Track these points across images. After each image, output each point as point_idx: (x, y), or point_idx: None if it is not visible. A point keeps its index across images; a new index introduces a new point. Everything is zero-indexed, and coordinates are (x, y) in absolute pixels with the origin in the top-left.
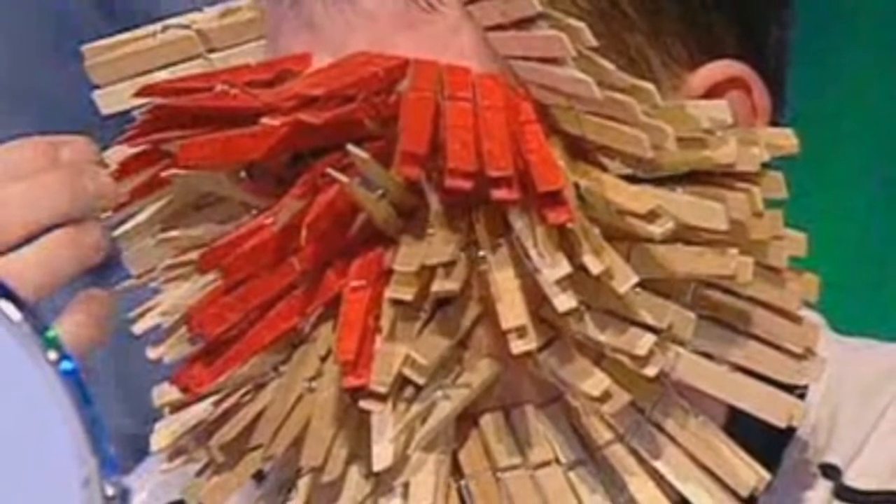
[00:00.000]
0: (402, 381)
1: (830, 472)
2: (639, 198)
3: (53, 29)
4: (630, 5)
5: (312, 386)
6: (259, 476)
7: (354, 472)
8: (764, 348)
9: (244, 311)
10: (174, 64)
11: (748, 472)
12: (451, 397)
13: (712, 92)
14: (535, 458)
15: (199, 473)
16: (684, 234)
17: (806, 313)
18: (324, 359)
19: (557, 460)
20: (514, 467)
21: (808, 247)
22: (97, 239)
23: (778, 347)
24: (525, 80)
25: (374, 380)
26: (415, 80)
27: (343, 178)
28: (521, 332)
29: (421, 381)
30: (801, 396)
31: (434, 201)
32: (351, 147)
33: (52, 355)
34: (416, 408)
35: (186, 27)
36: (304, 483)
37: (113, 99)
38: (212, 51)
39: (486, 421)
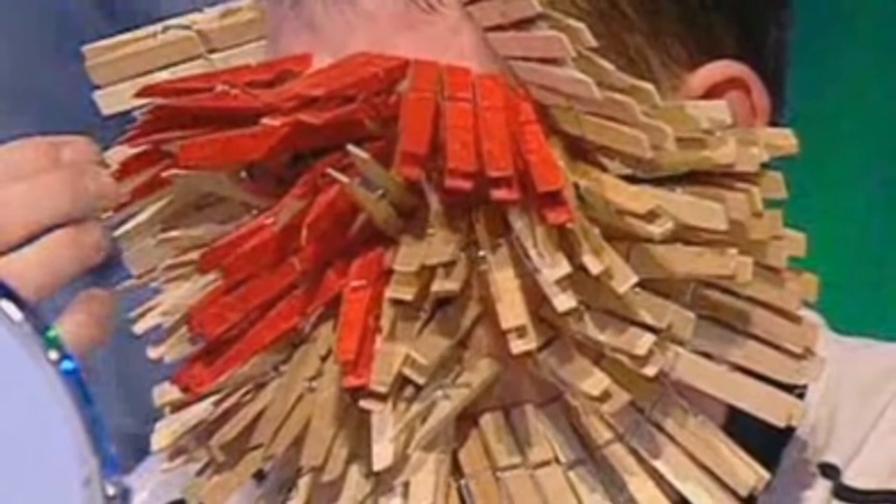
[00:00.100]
0: (403, 381)
1: (829, 471)
2: (638, 198)
3: (54, 29)
4: (629, 6)
5: (313, 386)
6: (259, 475)
7: (354, 471)
8: (763, 348)
9: (245, 310)
10: (175, 64)
11: (747, 472)
12: (451, 397)
13: (712, 92)
14: (534, 457)
15: (200, 473)
16: (684, 234)
17: (805, 313)
18: (324, 358)
19: (557, 460)
20: (513, 467)
21: (808, 247)
22: (98, 239)
23: (777, 347)
24: (525, 80)
25: (374, 379)
26: (415, 81)
27: (343, 178)
28: (520, 331)
29: (421, 380)
30: (801, 396)
31: (434, 201)
32: (351, 147)
33: (53, 355)
34: (416, 407)
35: (187, 28)
36: (304, 482)
37: (114, 99)
38: (212, 51)
39: (486, 420)
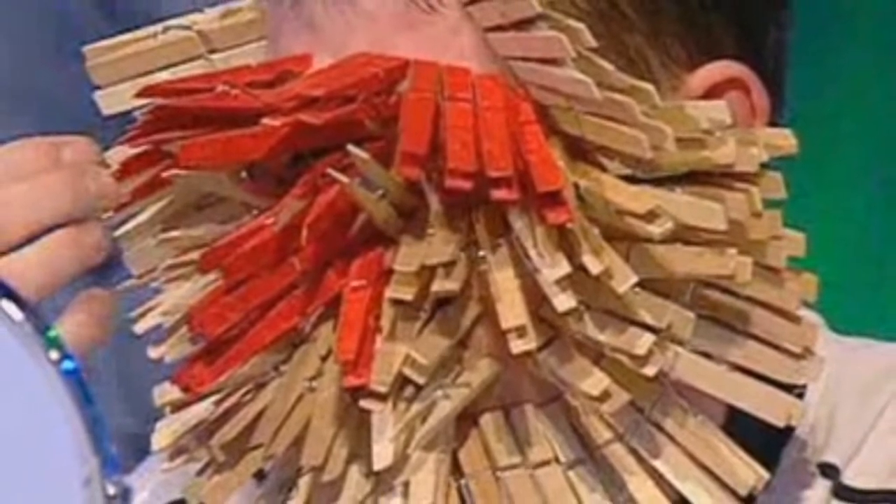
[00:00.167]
0: (403, 381)
1: (829, 471)
2: (638, 198)
3: (55, 30)
4: (629, 6)
5: (313, 385)
6: (260, 475)
7: (355, 471)
8: (763, 348)
9: (245, 310)
10: (175, 65)
11: (747, 472)
12: (451, 397)
13: (711, 92)
14: (534, 457)
15: (200, 472)
16: (683, 234)
17: (805, 313)
18: (324, 358)
19: (557, 459)
20: (513, 466)
21: (807, 247)
22: (98, 239)
23: (777, 347)
24: (525, 80)
25: (374, 379)
26: (415, 81)
27: (343, 178)
28: (520, 331)
29: (421, 380)
30: (800, 396)
31: (434, 201)
32: (351, 147)
33: (54, 355)
34: (416, 407)
35: (187, 28)
36: (304, 482)
37: (114, 99)
38: (213, 51)
39: (486, 420)
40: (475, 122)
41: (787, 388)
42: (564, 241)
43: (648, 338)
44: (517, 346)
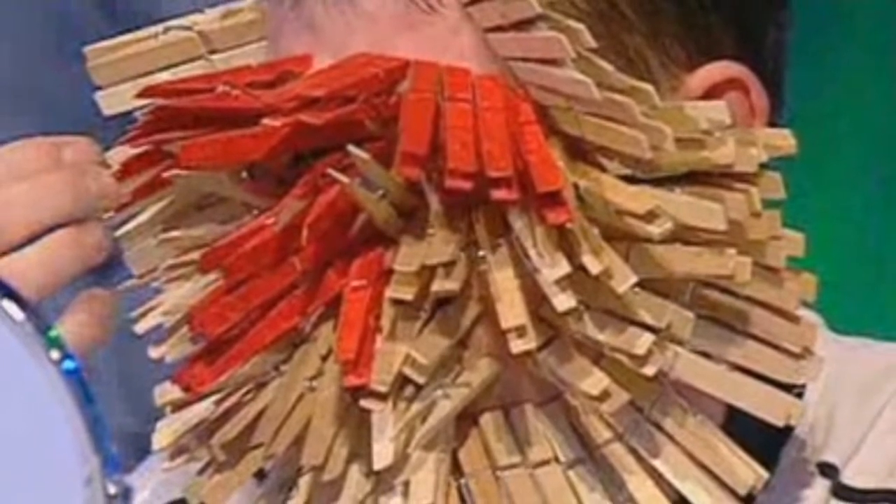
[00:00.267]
0: (403, 381)
1: (828, 470)
2: (637, 198)
3: (55, 30)
4: (629, 7)
5: (313, 385)
6: (260, 475)
7: (355, 470)
8: (762, 348)
9: (245, 310)
10: (176, 65)
11: (746, 471)
12: (451, 396)
13: (711, 93)
14: (534, 456)
15: (201, 472)
16: (683, 235)
17: (804, 313)
18: (324, 358)
19: (557, 459)
20: (513, 466)
21: (806, 247)
22: (99, 239)
23: (776, 347)
24: (524, 81)
25: (374, 379)
26: (415, 82)
27: (344, 178)
28: (520, 331)
29: (421, 380)
30: (799, 395)
31: (434, 201)
32: (351, 148)
33: (55, 354)
34: (416, 407)
35: (188, 28)
36: (304, 482)
37: (115, 100)
38: (213, 52)
39: (486, 420)
40: (475, 123)
41: (787, 387)
42: (564, 241)
43: (648, 337)
44: (517, 345)
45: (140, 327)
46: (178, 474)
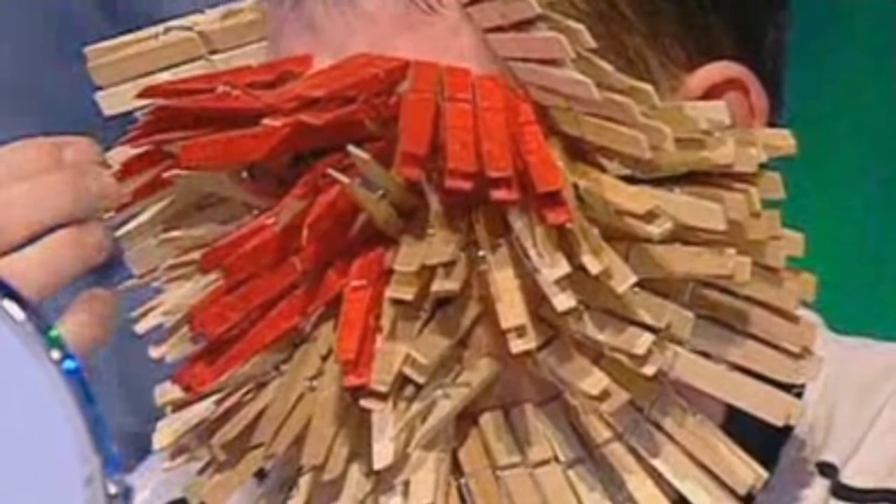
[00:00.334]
0: (403, 380)
1: (827, 470)
2: (637, 198)
3: (56, 30)
4: (628, 7)
5: (313, 385)
6: (260, 474)
7: (355, 470)
8: (762, 347)
9: (246, 310)
10: (176, 65)
11: (746, 471)
12: (451, 396)
13: (710, 93)
14: (534, 456)
15: (201, 472)
16: (682, 235)
17: (803, 313)
18: (325, 358)
19: (556, 459)
20: (513, 466)
21: (806, 247)
22: (100, 239)
23: (775, 347)
24: (524, 81)
25: (374, 379)
26: (415, 82)
27: (344, 178)
28: (520, 331)
29: (421, 380)
30: (799, 395)
31: (434, 202)
32: (351, 148)
33: (55, 354)
34: (416, 406)
35: (188, 29)
36: (305, 481)
37: (115, 100)
38: (214, 52)
39: (486, 420)
40: (475, 123)
41: (786, 387)
42: (564, 241)
43: (648, 337)
44: (517, 345)
45: (140, 327)
46: (178, 474)
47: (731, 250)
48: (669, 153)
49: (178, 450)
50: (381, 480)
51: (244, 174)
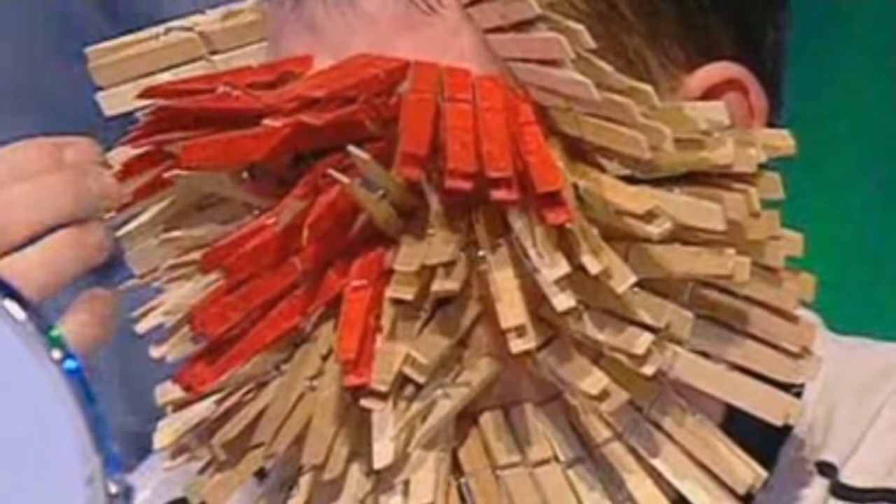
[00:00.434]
0: (403, 380)
1: (827, 469)
2: (637, 198)
3: (57, 31)
4: (628, 8)
5: (314, 385)
6: (261, 474)
7: (355, 469)
8: (761, 347)
9: (246, 310)
10: (177, 66)
11: (745, 470)
12: (451, 396)
13: (709, 93)
14: (534, 456)
15: (202, 471)
16: (682, 235)
17: (802, 312)
18: (325, 358)
19: (556, 458)
20: (513, 465)
21: (805, 247)
22: (100, 239)
23: (775, 346)
24: (524, 81)
25: (374, 378)
26: (415, 82)
27: (344, 178)
28: (520, 331)
29: (421, 379)
30: (798, 395)
31: (434, 202)
32: (352, 148)
33: (56, 354)
34: (416, 406)
35: (189, 29)
36: (305, 481)
37: (116, 100)
38: (214, 53)
39: (486, 419)
40: (475, 123)
41: (785, 387)
42: (564, 241)
43: (647, 337)
44: (517, 345)
45: (141, 327)
46: (179, 473)
47: (731, 250)
48: (669, 153)
49: (179, 449)
50: (382, 480)
51: (245, 174)
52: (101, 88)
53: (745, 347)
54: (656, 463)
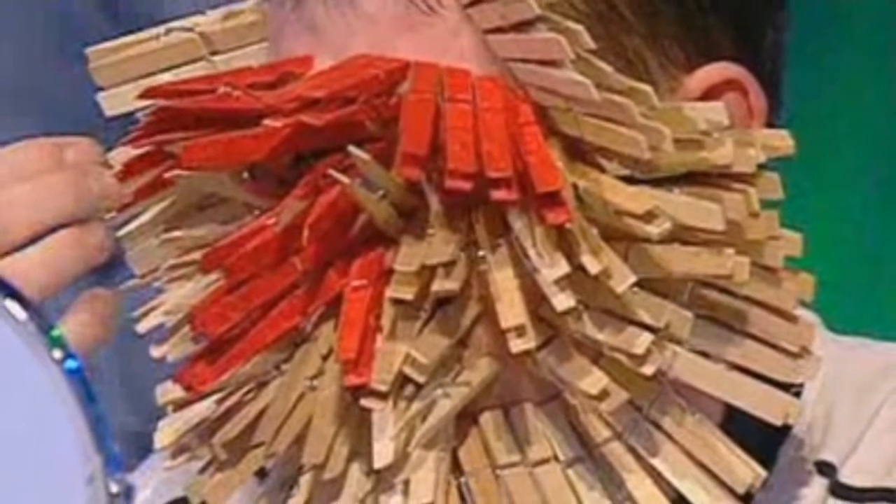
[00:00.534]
0: (403, 380)
1: (826, 469)
2: (636, 198)
3: (58, 31)
4: (627, 8)
5: (314, 384)
6: (261, 473)
7: (355, 469)
8: (760, 347)
9: (246, 310)
10: (177, 66)
11: (745, 470)
12: (451, 395)
13: (709, 94)
14: (533, 455)
15: (202, 471)
16: (681, 235)
17: (802, 312)
18: (325, 357)
19: (556, 458)
20: (513, 465)
21: (804, 247)
22: (101, 239)
23: (774, 346)
24: (524, 82)
25: (374, 378)
26: (415, 83)
27: (344, 178)
28: (520, 330)
29: (421, 379)
30: (797, 395)
31: (434, 202)
32: (352, 148)
33: (57, 354)
34: (416, 406)
35: (189, 30)
36: (305, 480)
37: (117, 101)
38: (215, 53)
39: (486, 419)
40: (475, 124)
41: (785, 386)
42: (563, 241)
43: (647, 337)
44: (516, 345)
45: (142, 327)
46: (179, 473)
47: (730, 250)
48: (668, 154)
49: (180, 449)
50: (382, 479)
51: (245, 174)
52: (101, 89)
53: (744, 347)
54: (656, 462)
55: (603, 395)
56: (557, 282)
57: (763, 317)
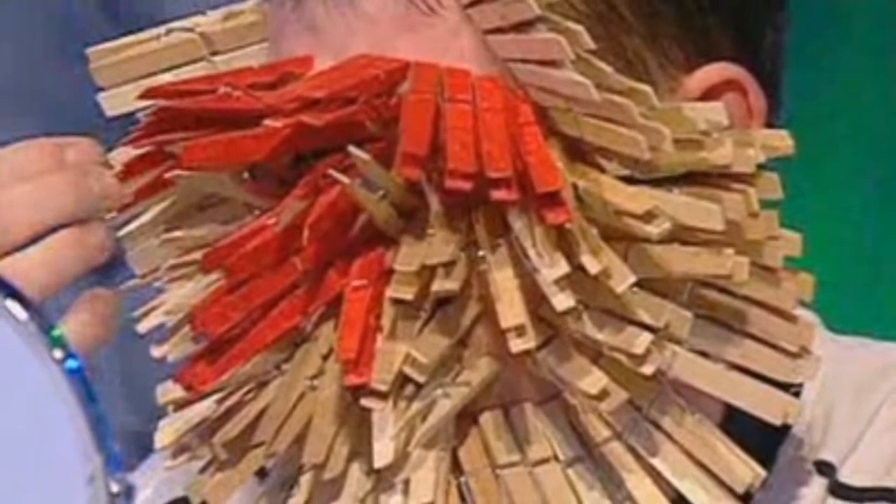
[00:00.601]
0: (403, 380)
1: (825, 468)
2: (636, 198)
3: (58, 32)
4: (627, 9)
5: (314, 384)
6: (261, 473)
7: (356, 469)
8: (760, 347)
9: (247, 310)
10: (178, 66)
11: (744, 469)
12: (451, 395)
13: (708, 94)
14: (533, 455)
15: (203, 470)
16: (681, 235)
17: (801, 312)
18: (325, 357)
19: (556, 457)
20: (513, 464)
21: (804, 247)
22: (102, 239)
23: (773, 346)
24: (524, 82)
25: (375, 378)
26: (415, 83)
27: (344, 178)
28: (520, 330)
29: (421, 379)
30: (797, 394)
31: (434, 202)
32: (352, 148)
33: (58, 354)
34: (416, 406)
35: (190, 30)
36: (305, 480)
37: (117, 101)
38: (215, 53)
39: (486, 419)
40: (475, 124)
41: (784, 386)
42: (563, 241)
43: (646, 337)
44: (516, 345)
45: (142, 327)
46: (180, 473)
47: (730, 250)
48: (668, 154)
49: (180, 448)
50: (382, 479)
51: (245, 175)
52: (102, 89)
53: (743, 347)
54: (655, 462)
55: (603, 394)
56: (557, 282)
57: (762, 317)
